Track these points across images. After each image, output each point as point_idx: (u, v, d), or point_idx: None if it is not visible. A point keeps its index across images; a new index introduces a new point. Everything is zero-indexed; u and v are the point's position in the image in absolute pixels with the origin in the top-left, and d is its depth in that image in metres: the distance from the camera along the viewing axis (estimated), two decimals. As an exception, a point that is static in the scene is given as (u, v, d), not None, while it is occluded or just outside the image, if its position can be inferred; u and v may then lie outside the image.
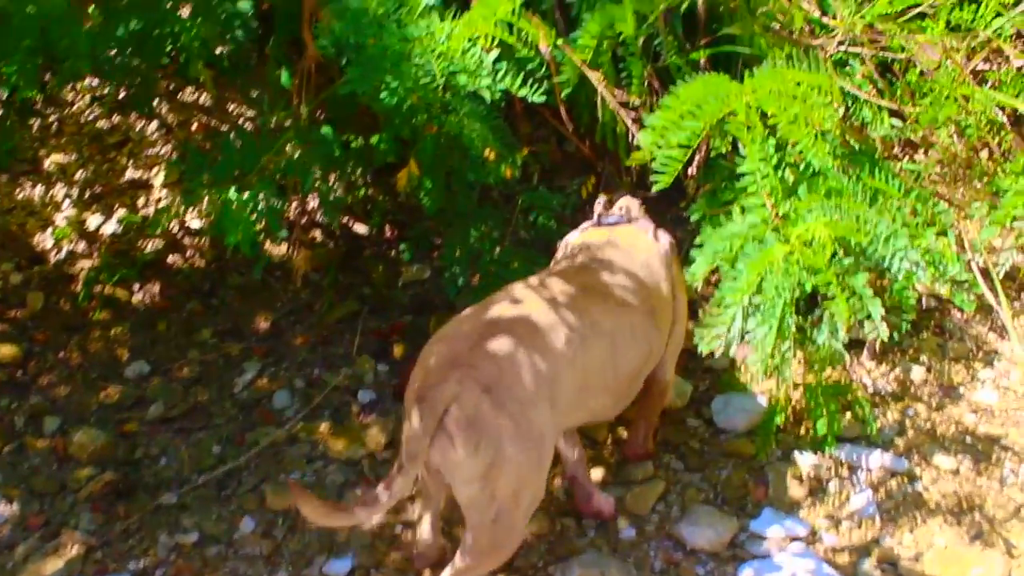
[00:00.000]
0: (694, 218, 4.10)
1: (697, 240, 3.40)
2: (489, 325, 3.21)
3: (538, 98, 3.76)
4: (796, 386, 4.02)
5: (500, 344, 3.14)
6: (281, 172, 4.17)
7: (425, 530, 3.50)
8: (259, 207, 3.88)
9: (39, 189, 5.30)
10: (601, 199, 3.92)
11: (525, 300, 3.33)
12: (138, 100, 4.86)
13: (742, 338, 3.23)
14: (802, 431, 4.05)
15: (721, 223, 3.52)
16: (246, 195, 3.86)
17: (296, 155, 4.25)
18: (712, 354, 3.21)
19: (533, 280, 3.48)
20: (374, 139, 4.17)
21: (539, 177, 4.63)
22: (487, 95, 3.53)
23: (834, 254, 3.15)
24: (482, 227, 4.27)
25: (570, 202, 4.59)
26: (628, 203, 3.91)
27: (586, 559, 3.56)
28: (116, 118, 5.52)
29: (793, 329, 3.32)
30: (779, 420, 3.88)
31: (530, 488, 3.18)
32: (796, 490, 3.85)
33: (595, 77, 3.73)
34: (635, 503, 3.84)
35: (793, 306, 3.24)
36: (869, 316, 3.10)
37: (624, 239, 3.73)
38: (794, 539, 3.64)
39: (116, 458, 4.10)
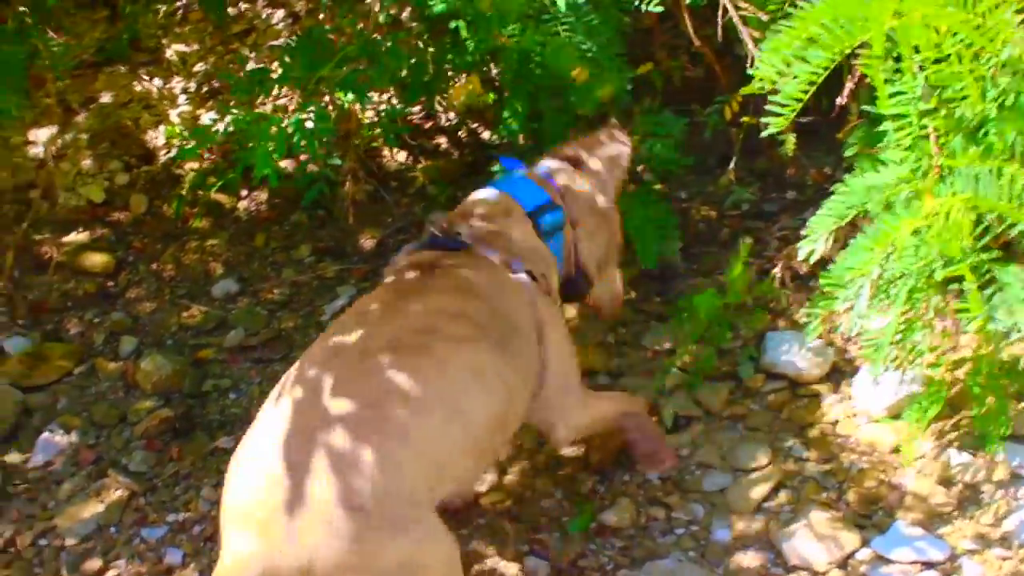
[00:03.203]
0: (847, 153, 3.36)
1: (835, 187, 2.74)
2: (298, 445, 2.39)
3: (655, 7, 3.12)
4: (960, 363, 3.26)
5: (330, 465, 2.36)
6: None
7: None
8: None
9: (157, 82, 4.97)
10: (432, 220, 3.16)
11: (330, 386, 2.49)
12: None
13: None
14: (960, 423, 3.30)
15: (865, 169, 2.83)
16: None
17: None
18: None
19: (333, 339, 2.64)
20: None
21: (664, 99, 3.92)
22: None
23: (981, 235, 2.40)
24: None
25: (711, 122, 3.87)
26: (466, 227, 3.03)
27: (663, 566, 2.99)
28: (243, 5, 5.11)
29: (931, 316, 2.63)
30: (932, 410, 3.15)
31: None
32: (940, 498, 3.13)
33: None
34: (738, 497, 3.22)
35: (933, 290, 2.54)
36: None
37: (465, 261, 2.90)
38: (927, 566, 2.95)
39: (182, 390, 3.77)
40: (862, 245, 2.59)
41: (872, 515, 3.11)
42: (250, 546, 2.29)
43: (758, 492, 3.22)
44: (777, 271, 3.62)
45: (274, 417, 2.46)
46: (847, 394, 3.48)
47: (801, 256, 2.75)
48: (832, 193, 2.73)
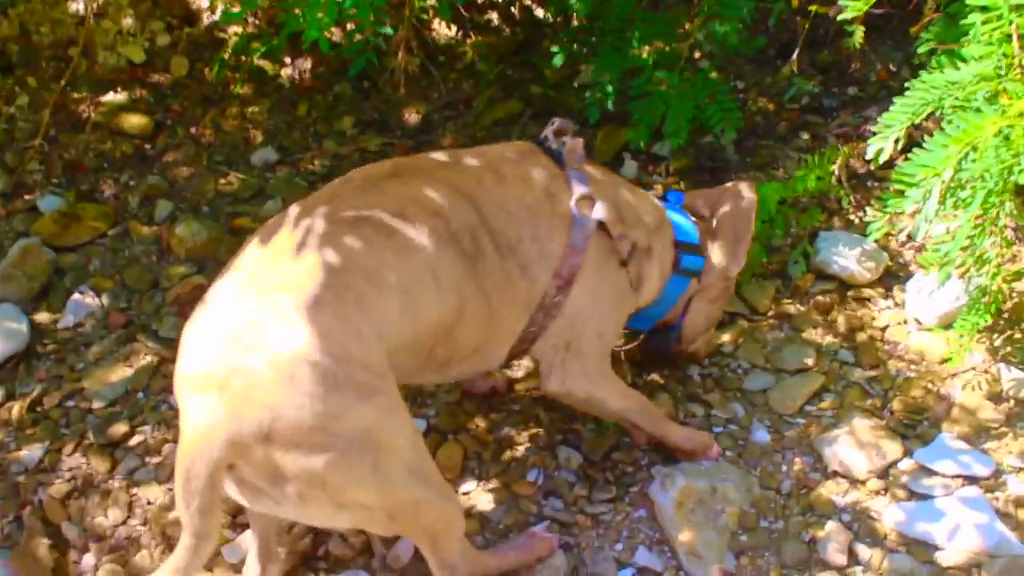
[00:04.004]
0: (921, 49, 3.19)
1: (908, 83, 2.61)
2: (239, 309, 2.28)
3: None
4: (1017, 275, 3.13)
5: (264, 342, 2.21)
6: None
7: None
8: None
9: (203, -61, 4.79)
10: (555, 123, 2.83)
11: (293, 247, 2.37)
12: None
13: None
14: (1014, 337, 3.18)
15: (943, 65, 2.69)
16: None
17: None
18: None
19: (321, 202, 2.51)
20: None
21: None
22: None
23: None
24: (642, 37, 3.47)
25: (776, 8, 3.68)
26: (573, 143, 2.76)
27: (700, 467, 2.91)
28: None
29: (1002, 223, 2.50)
30: (983, 320, 3.03)
31: (399, 481, 2.33)
32: (988, 413, 3.03)
33: None
34: (781, 398, 3.14)
35: (1008, 194, 2.42)
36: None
37: (519, 171, 2.70)
38: (969, 480, 2.86)
39: (217, 257, 3.69)
40: (939, 143, 2.46)
41: (916, 425, 3.02)
42: (210, 412, 2.17)
43: (801, 395, 3.13)
44: (835, 168, 3.47)
45: (234, 277, 2.36)
46: (899, 300, 3.37)
47: (870, 154, 2.61)
48: (900, 91, 2.60)
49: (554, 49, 3.74)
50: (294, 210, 2.50)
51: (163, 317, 3.51)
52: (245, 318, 2.25)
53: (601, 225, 2.69)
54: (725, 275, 3.01)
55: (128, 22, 4.55)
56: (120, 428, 3.17)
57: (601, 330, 2.78)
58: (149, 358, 3.38)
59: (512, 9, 4.53)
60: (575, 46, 3.81)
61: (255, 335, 2.21)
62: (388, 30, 3.36)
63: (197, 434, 2.18)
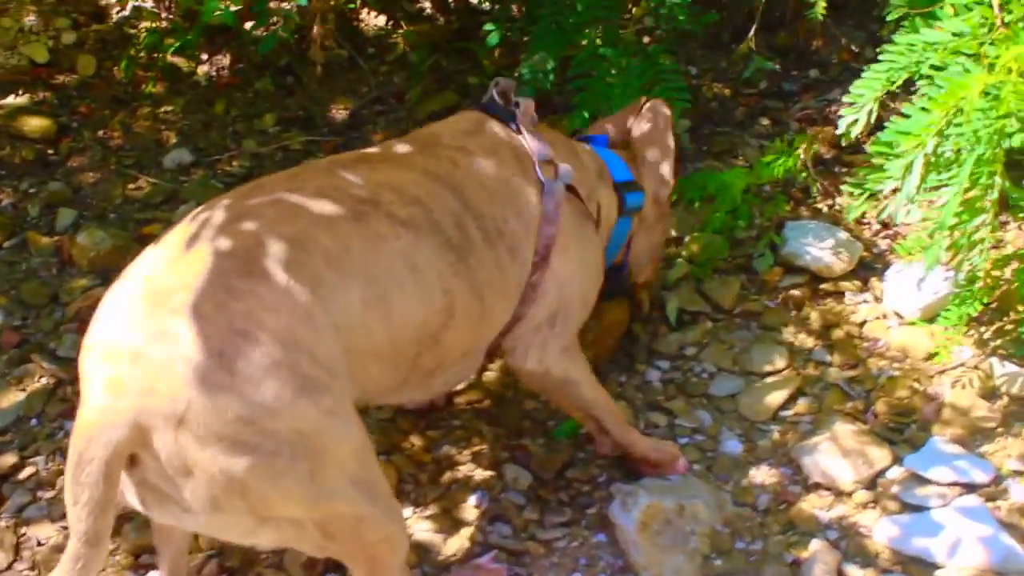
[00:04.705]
0: (891, 17, 2.90)
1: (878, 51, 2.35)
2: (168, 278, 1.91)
3: None
4: (1005, 261, 2.85)
5: (184, 323, 1.84)
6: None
7: None
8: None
9: (112, -70, 4.44)
10: (499, 83, 2.59)
11: (242, 219, 2.02)
12: None
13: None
14: (1005, 328, 2.89)
15: (917, 27, 2.41)
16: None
17: None
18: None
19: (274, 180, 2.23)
20: None
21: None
22: None
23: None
24: (584, 12, 3.15)
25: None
26: (526, 104, 2.52)
27: (665, 483, 2.58)
28: None
29: (994, 196, 2.21)
30: (973, 309, 2.74)
31: (339, 494, 1.96)
32: (982, 412, 2.72)
33: None
34: (752, 404, 2.82)
35: (999, 164, 2.13)
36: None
37: (484, 143, 2.42)
38: (967, 488, 2.55)
39: (120, 267, 3.31)
40: (919, 108, 2.18)
41: (904, 429, 2.72)
42: (116, 385, 1.81)
43: (774, 399, 2.82)
44: (801, 153, 3.17)
45: (170, 239, 2.00)
46: (876, 292, 3.08)
47: (841, 128, 2.37)
48: (865, 69, 2.34)
49: (488, 27, 3.42)
50: (245, 187, 2.18)
51: (62, 335, 3.14)
52: (176, 279, 1.88)
53: (570, 188, 2.43)
54: (657, 200, 2.76)
55: (31, 20, 4.20)
56: (9, 459, 2.79)
57: (587, 298, 2.53)
58: (45, 380, 3.01)
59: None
60: (511, 31, 3.49)
61: (184, 298, 1.85)
62: (302, 1, 3.02)
63: (97, 410, 1.81)
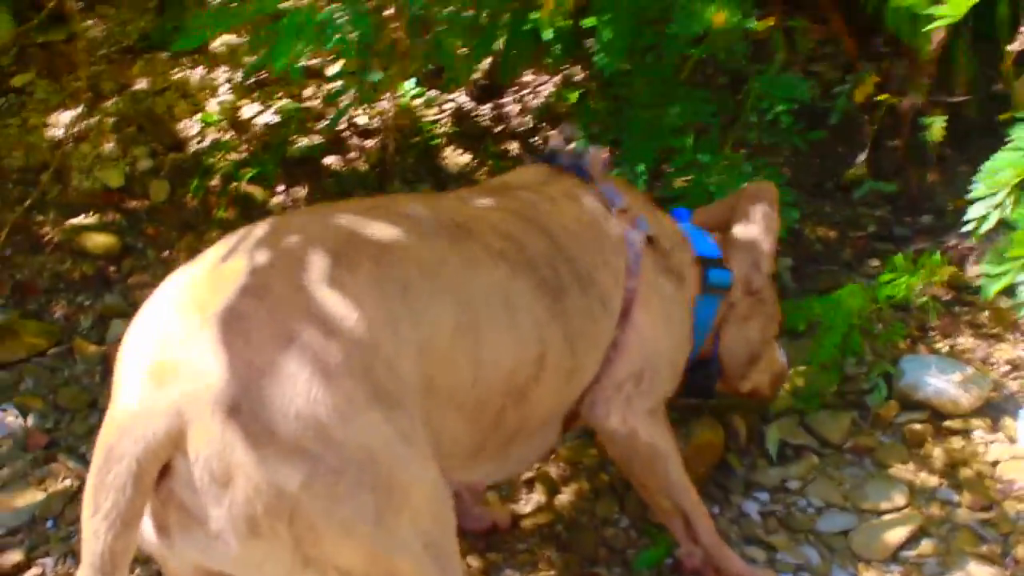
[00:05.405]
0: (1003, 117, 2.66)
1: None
2: (247, 276, 1.66)
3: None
4: None
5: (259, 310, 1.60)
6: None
7: None
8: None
9: (199, 71, 4.42)
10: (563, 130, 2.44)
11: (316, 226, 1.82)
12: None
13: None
14: None
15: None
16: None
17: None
18: None
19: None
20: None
21: (787, 61, 3.24)
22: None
23: None
24: (681, 113, 2.93)
25: (838, 105, 3.17)
26: (595, 152, 2.31)
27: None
28: (304, -2, 4.56)
29: None
30: None
31: (406, 548, 1.61)
32: None
33: None
34: (867, 542, 2.42)
35: None
36: None
37: (561, 190, 2.21)
38: None
39: (170, 378, 3.06)
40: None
41: (1049, 577, 2.29)
42: (161, 375, 1.53)
43: (893, 537, 2.43)
44: (933, 278, 2.84)
45: (242, 236, 1.80)
46: (1010, 432, 2.68)
47: (968, 224, 2.06)
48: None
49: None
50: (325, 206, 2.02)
51: (95, 440, 2.85)
52: (247, 262, 1.66)
53: (649, 240, 2.18)
54: (749, 288, 2.42)
55: (109, 147, 4.11)
56: (13, 557, 2.47)
57: (674, 360, 2.24)
58: (68, 482, 2.74)
59: (533, 140, 4.07)
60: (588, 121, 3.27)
61: (251, 280, 1.62)
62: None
63: (134, 401, 1.55)
